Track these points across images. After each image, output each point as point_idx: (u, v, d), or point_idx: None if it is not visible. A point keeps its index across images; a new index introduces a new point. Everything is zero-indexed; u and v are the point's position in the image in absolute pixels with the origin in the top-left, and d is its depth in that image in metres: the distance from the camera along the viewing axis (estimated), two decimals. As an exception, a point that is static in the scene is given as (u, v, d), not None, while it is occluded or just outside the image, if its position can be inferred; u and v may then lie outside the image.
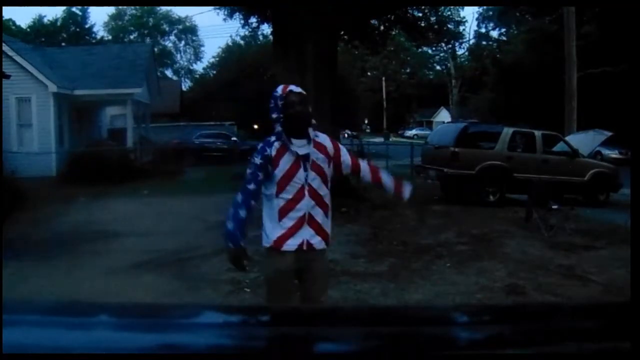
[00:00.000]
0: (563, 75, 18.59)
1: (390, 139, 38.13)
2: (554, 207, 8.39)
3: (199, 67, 57.46)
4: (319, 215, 2.87)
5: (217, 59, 47.48)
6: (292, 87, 2.89)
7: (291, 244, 2.84)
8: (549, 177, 10.60)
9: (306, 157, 2.84)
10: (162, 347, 0.82)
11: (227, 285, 5.45)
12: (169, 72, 52.85)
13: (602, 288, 5.41)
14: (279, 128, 2.85)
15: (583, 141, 12.69)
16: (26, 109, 15.99)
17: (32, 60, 16.29)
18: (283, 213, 2.83)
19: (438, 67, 57.79)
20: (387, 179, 3.12)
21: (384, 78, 55.27)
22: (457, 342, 0.90)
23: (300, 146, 2.85)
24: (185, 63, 55.89)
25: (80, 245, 7.09)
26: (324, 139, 2.96)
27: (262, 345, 0.86)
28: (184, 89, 42.85)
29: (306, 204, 2.83)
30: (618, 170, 12.25)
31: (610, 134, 13.13)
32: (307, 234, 2.85)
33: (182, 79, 51.61)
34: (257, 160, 2.86)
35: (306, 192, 2.83)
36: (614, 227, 8.38)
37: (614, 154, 21.67)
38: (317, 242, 2.89)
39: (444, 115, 48.58)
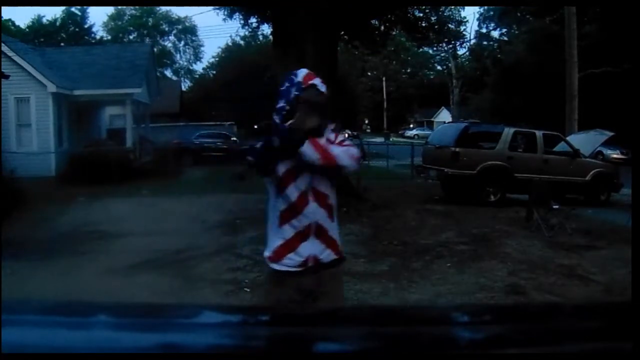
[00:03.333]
0: (564, 75, 18.60)
1: (391, 139, 38.19)
2: (555, 207, 8.39)
3: (198, 67, 57.43)
4: (325, 220, 2.41)
5: (216, 59, 47.56)
6: (317, 81, 2.36)
7: (292, 260, 2.39)
8: (550, 177, 10.60)
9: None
10: (162, 347, 0.82)
11: (227, 285, 5.45)
12: (168, 72, 52.89)
13: (603, 288, 5.41)
14: (276, 120, 2.37)
15: (584, 141, 12.69)
16: (25, 109, 15.98)
17: (31, 61, 16.28)
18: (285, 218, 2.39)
19: (439, 67, 57.79)
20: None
21: (384, 78, 55.28)
22: (457, 342, 0.90)
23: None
24: (185, 63, 55.95)
25: (80, 245, 7.08)
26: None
27: (262, 345, 0.86)
28: (183, 89, 42.87)
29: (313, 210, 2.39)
30: (619, 170, 12.25)
31: (611, 134, 13.12)
32: (313, 248, 2.40)
33: (182, 79, 51.62)
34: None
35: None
36: (615, 227, 8.38)
37: (615, 154, 21.67)
38: (328, 255, 2.43)
39: (444, 116, 48.60)
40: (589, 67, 19.70)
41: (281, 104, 2.36)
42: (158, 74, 31.17)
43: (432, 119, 53.53)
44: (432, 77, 58.81)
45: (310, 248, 2.36)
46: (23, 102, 15.95)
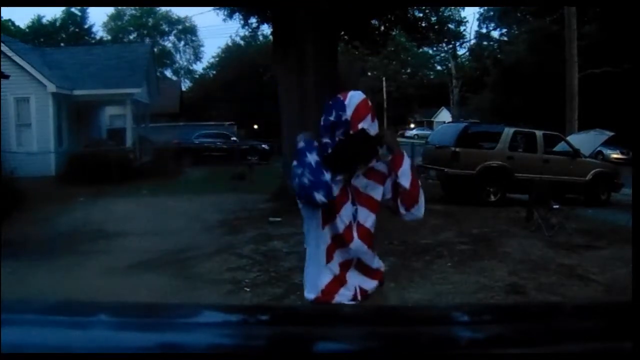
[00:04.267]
0: (564, 75, 18.60)
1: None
2: (555, 206, 8.39)
3: (198, 67, 57.36)
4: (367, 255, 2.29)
5: (216, 59, 47.49)
6: (367, 122, 2.12)
7: (343, 296, 2.22)
8: (550, 177, 10.61)
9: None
10: (162, 347, 0.82)
11: (227, 285, 5.45)
12: (168, 72, 52.84)
13: (604, 288, 5.41)
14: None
15: (584, 141, 12.69)
16: (25, 109, 15.99)
17: (31, 61, 16.28)
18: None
19: (439, 67, 57.71)
20: None
21: (384, 78, 55.27)
22: (457, 342, 0.90)
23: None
24: (185, 63, 55.88)
25: (80, 245, 7.09)
26: None
27: (262, 345, 0.86)
28: (183, 89, 42.82)
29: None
30: (619, 170, 12.25)
31: (611, 134, 13.13)
32: (356, 279, 2.25)
33: (182, 79, 51.53)
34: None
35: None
36: (616, 227, 8.38)
37: (615, 154, 21.68)
38: (370, 284, 2.28)
39: (444, 116, 48.61)
40: (589, 67, 19.69)
41: (326, 139, 2.15)
42: (158, 74, 31.20)
43: (432, 119, 53.55)
44: (432, 77, 58.77)
45: (355, 279, 2.22)
46: (23, 102, 15.96)
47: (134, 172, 15.15)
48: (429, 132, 32.99)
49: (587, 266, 6.24)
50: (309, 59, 10.37)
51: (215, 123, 28.08)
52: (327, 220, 2.17)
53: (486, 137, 11.97)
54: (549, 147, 11.97)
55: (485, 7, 35.63)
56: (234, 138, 24.11)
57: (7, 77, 13.57)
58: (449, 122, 23.44)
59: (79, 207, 10.35)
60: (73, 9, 45.20)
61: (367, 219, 2.21)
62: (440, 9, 16.60)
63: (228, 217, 9.18)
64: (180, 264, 6.22)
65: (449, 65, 44.51)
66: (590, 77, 19.61)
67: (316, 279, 2.21)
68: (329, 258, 2.18)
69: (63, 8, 44.51)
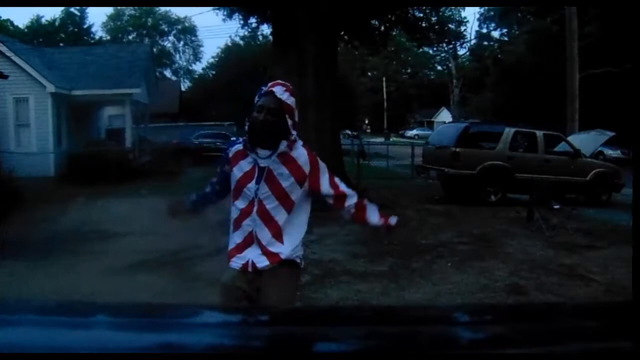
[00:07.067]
0: (564, 75, 18.60)
1: (391, 139, 38.30)
2: (556, 207, 8.39)
3: (198, 67, 57.55)
4: (264, 236, 2.50)
5: (216, 59, 47.57)
6: (277, 89, 2.47)
7: (236, 263, 2.55)
8: (551, 177, 10.61)
9: (263, 168, 2.49)
10: (162, 347, 0.81)
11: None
12: (168, 73, 52.94)
13: (604, 288, 5.41)
14: (246, 127, 2.55)
15: (585, 141, 12.69)
16: (24, 109, 15.99)
17: (30, 61, 16.27)
18: (235, 224, 2.59)
19: (439, 67, 57.81)
20: (372, 216, 2.72)
21: (384, 78, 55.30)
22: (457, 342, 0.90)
23: (263, 157, 2.51)
24: (184, 63, 55.98)
25: (79, 245, 7.08)
26: (299, 153, 2.53)
27: (262, 345, 0.86)
28: (183, 89, 42.87)
29: (252, 221, 2.51)
30: (620, 170, 12.26)
31: (612, 134, 13.12)
32: (253, 253, 2.52)
33: (181, 79, 51.60)
34: (222, 159, 2.70)
35: (254, 208, 2.50)
36: (616, 227, 8.38)
37: (616, 154, 21.69)
38: (262, 262, 2.52)
39: (445, 116, 48.64)
40: (589, 67, 19.69)
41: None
42: (157, 74, 31.22)
43: (432, 119, 53.56)
44: (432, 77, 58.83)
45: (251, 252, 2.58)
46: (22, 102, 15.95)
47: (134, 172, 15.13)
48: (429, 132, 33.03)
49: (588, 266, 6.24)
50: (309, 59, 10.37)
51: (215, 123, 28.06)
52: (234, 198, 2.58)
53: (487, 137, 11.97)
54: (549, 147, 11.97)
55: (486, 7, 35.66)
56: (234, 138, 24.07)
57: (6, 77, 13.57)
58: (449, 122, 23.46)
59: (79, 207, 10.34)
60: (72, 9, 45.25)
61: (267, 197, 2.49)
62: (441, 9, 16.59)
63: (228, 217, 9.17)
64: (180, 264, 6.22)
65: (449, 65, 44.52)
66: (591, 77, 19.61)
67: (229, 242, 2.63)
68: (234, 228, 2.58)
69: (62, 8, 44.57)
